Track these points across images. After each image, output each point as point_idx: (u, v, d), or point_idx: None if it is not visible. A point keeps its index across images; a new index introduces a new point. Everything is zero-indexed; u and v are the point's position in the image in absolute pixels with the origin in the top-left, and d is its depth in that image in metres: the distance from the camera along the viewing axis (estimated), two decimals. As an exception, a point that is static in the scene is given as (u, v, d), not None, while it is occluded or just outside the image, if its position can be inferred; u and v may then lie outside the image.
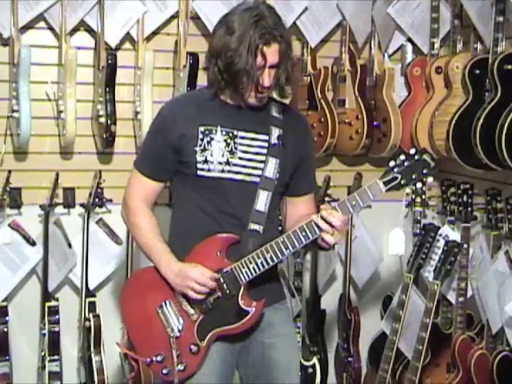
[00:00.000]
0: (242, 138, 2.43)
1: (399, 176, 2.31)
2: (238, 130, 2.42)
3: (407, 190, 3.62)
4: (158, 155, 2.47)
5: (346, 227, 2.38)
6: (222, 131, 2.41)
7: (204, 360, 2.44)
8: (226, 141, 2.41)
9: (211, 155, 2.40)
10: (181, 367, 2.43)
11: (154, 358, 2.46)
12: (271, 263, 2.37)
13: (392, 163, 2.32)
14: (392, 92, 3.81)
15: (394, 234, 3.64)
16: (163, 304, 2.46)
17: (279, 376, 2.53)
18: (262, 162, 2.44)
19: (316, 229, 2.32)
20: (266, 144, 2.45)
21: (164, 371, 2.46)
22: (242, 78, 2.31)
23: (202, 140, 2.40)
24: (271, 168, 2.43)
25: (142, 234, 2.50)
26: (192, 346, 2.43)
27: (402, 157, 2.32)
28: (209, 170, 2.41)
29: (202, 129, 2.41)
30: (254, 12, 2.30)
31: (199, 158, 2.40)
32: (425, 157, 2.32)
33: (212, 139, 2.41)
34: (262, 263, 2.36)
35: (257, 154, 2.44)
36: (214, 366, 2.46)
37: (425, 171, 2.32)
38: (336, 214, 2.30)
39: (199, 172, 2.41)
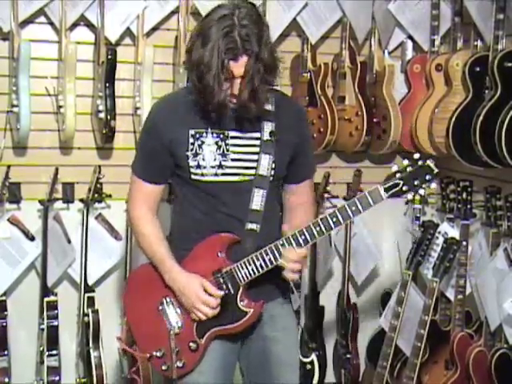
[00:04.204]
0: (234, 137, 2.40)
1: (401, 182, 2.31)
2: (229, 130, 2.39)
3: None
4: (153, 159, 2.45)
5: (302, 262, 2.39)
6: (212, 133, 2.39)
7: (202, 357, 2.45)
8: (217, 143, 2.39)
9: (203, 160, 2.38)
10: (179, 364, 2.43)
11: (154, 353, 2.47)
12: (270, 266, 2.36)
13: (395, 168, 2.33)
14: (392, 89, 3.80)
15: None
16: (164, 300, 2.47)
17: (279, 369, 2.53)
18: (254, 160, 2.41)
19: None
20: (257, 142, 2.42)
21: (163, 367, 2.47)
22: (210, 89, 2.25)
23: (193, 144, 2.38)
24: (265, 165, 2.41)
25: (146, 240, 2.49)
26: (191, 344, 2.43)
27: (406, 162, 2.33)
28: (202, 175, 2.39)
29: (192, 132, 2.39)
30: (227, 22, 2.22)
31: (192, 162, 2.39)
32: (428, 162, 2.32)
33: (203, 143, 2.38)
34: (260, 265, 2.36)
35: (249, 152, 2.41)
36: (213, 362, 2.46)
37: (428, 177, 2.32)
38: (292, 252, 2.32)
39: (193, 176, 2.40)
